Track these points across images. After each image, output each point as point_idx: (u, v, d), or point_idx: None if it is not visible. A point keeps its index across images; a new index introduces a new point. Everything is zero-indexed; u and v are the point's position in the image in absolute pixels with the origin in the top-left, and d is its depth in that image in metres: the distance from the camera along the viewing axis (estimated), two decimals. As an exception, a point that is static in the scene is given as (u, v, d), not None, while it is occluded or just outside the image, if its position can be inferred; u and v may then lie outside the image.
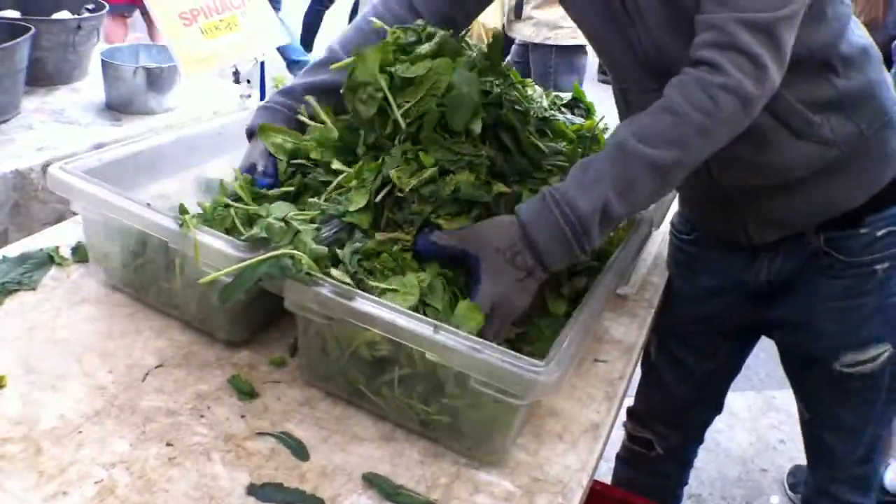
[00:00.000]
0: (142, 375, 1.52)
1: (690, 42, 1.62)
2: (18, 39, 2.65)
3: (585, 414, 1.63)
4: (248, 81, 2.48)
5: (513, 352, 1.33)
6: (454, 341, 1.32)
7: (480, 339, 1.34)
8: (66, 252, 1.87)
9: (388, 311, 1.36)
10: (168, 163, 1.93)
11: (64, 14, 3.18)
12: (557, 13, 4.83)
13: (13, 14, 3.18)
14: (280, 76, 2.24)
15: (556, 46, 5.04)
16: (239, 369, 1.58)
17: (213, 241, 1.48)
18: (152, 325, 1.67)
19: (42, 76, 3.03)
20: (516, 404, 1.35)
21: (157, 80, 2.87)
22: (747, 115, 1.57)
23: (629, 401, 2.53)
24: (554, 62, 5.10)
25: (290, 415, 1.49)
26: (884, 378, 2.09)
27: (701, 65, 1.56)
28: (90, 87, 3.12)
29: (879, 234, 1.97)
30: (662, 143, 1.54)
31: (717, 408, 2.58)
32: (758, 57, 1.53)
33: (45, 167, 2.41)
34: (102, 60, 2.89)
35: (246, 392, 1.51)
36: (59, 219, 2.42)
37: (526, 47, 5.31)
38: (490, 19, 5.55)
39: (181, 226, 1.50)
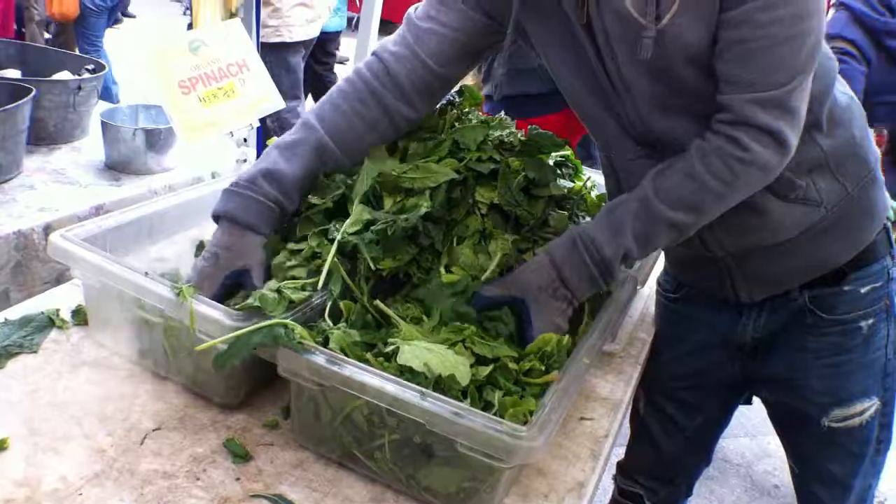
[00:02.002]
0: (140, 438, 1.56)
1: (678, 115, 1.75)
2: (20, 101, 2.69)
3: (571, 473, 1.67)
4: (245, 140, 2.53)
5: (496, 417, 1.37)
6: (440, 407, 1.36)
7: (465, 406, 1.38)
8: (66, 315, 1.90)
9: (378, 378, 1.41)
10: (166, 226, 1.99)
11: (64, 74, 3.24)
12: (264, 13, 5.27)
13: (14, 73, 3.23)
14: (273, 140, 2.30)
15: (266, 44, 5.33)
16: (233, 432, 1.62)
17: (209, 310, 1.53)
18: (149, 388, 1.71)
19: (43, 135, 3.07)
20: (501, 467, 1.39)
21: (156, 140, 2.92)
22: (766, 179, 1.71)
23: (620, 452, 2.56)
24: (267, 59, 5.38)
25: (283, 477, 1.52)
26: (872, 431, 2.13)
27: (722, 137, 1.66)
28: (90, 146, 3.17)
29: (863, 290, 2.02)
30: (682, 206, 1.71)
31: (707, 460, 2.61)
32: (777, 132, 1.63)
33: (46, 228, 2.47)
34: (102, 122, 2.94)
35: (240, 455, 1.55)
36: (60, 277, 2.47)
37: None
38: None
39: (178, 295, 1.55)
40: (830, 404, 2.11)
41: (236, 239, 1.73)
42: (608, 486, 3.34)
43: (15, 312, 1.87)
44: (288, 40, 5.55)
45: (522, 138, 2.01)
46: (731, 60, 1.63)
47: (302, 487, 1.51)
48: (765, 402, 2.34)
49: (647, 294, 2.46)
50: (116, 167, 2.96)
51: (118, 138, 2.91)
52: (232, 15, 5.02)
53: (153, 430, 1.59)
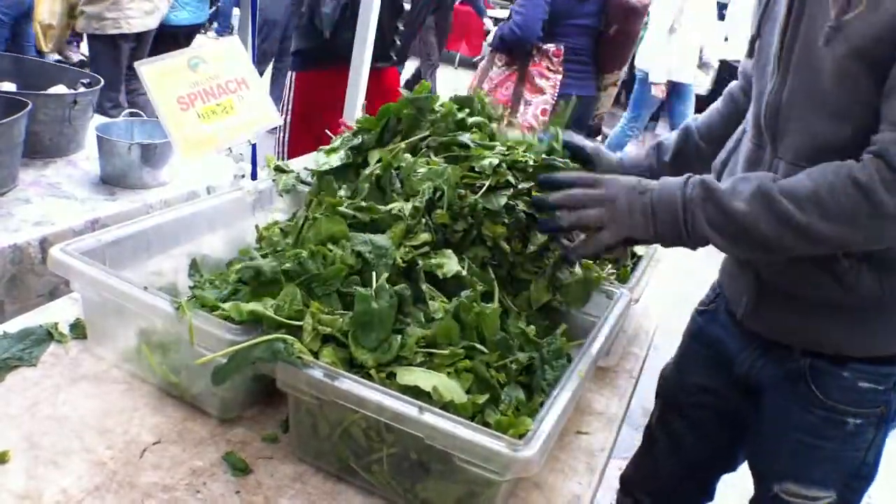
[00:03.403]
0: (139, 452, 1.57)
1: (810, 115, 1.78)
2: (16, 115, 2.69)
3: (567, 486, 1.69)
4: (241, 155, 2.54)
5: (493, 430, 1.39)
6: (437, 421, 1.38)
7: (462, 420, 1.40)
8: (64, 328, 1.91)
9: (375, 392, 1.42)
10: (164, 241, 1.99)
11: (60, 88, 3.24)
12: (103, 6, 5.48)
13: (9, 86, 3.24)
14: (271, 156, 2.32)
15: (102, 36, 5.53)
16: (233, 445, 1.63)
17: (208, 324, 1.54)
18: (148, 401, 1.72)
19: (39, 149, 3.07)
20: (498, 480, 1.40)
21: (151, 155, 2.93)
22: (875, 221, 1.63)
23: (616, 464, 2.57)
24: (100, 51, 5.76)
25: (282, 490, 1.53)
26: None
27: (859, 161, 1.64)
28: (86, 159, 3.18)
29: (862, 385, 1.97)
30: (791, 198, 1.67)
31: (707, 495, 2.57)
32: None
33: (42, 242, 2.48)
34: (98, 136, 2.95)
35: (240, 468, 1.56)
36: (54, 290, 2.47)
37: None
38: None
39: (177, 309, 1.57)
40: (787, 476, 2.08)
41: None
42: (603, 500, 3.36)
43: (13, 326, 1.88)
44: (126, 31, 5.62)
45: (536, 161, 2.02)
46: (890, 102, 1.63)
47: (301, 500, 1.52)
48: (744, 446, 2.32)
49: (641, 310, 2.48)
50: (112, 181, 2.97)
51: (114, 152, 2.92)
52: (72, 7, 5.10)
53: (153, 444, 1.60)
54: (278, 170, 2.27)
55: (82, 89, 3.25)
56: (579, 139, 2.19)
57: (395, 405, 1.40)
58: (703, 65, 9.27)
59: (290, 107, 4.58)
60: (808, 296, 1.92)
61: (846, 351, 1.95)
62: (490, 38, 5.76)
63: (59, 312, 1.98)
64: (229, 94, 2.26)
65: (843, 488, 2.05)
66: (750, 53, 2.01)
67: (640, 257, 2.29)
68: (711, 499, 2.57)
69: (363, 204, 1.88)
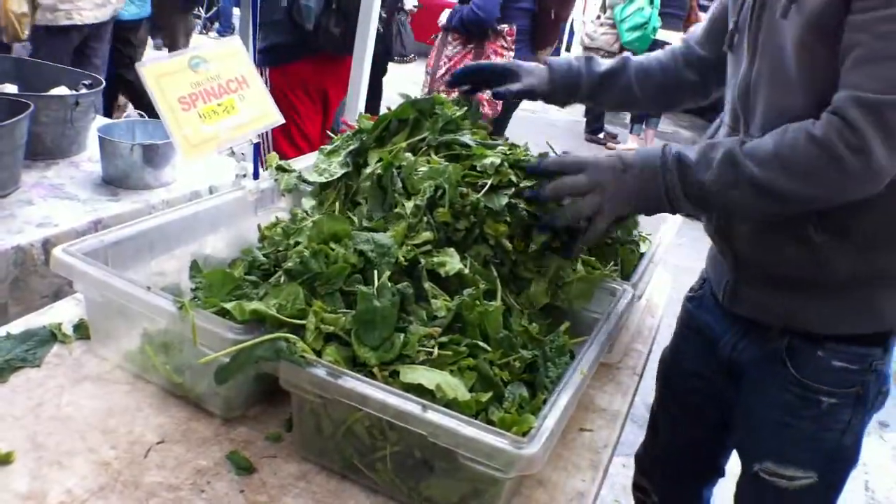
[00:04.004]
0: (144, 451, 1.57)
1: (783, 91, 1.82)
2: (18, 117, 2.69)
3: (571, 483, 1.69)
4: (243, 155, 2.54)
5: (496, 428, 1.39)
6: (440, 419, 1.38)
7: (466, 417, 1.40)
8: (68, 329, 1.91)
9: (379, 390, 1.43)
10: (166, 241, 2.00)
11: (62, 90, 3.25)
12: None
13: (11, 88, 3.24)
14: (272, 155, 2.32)
15: (53, 27, 5.47)
16: (237, 445, 1.63)
17: (211, 324, 1.55)
18: (152, 401, 1.72)
19: (41, 150, 3.07)
20: (501, 478, 1.40)
21: (153, 156, 2.93)
22: (841, 180, 1.68)
23: (618, 462, 2.58)
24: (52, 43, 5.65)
25: (286, 489, 1.54)
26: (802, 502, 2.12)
27: (817, 122, 1.69)
28: (88, 160, 3.17)
29: (835, 364, 2.00)
30: (758, 160, 1.73)
31: (716, 471, 2.62)
32: (860, 131, 1.62)
33: (45, 243, 2.48)
34: (100, 137, 2.95)
35: (244, 467, 1.56)
36: (58, 291, 2.47)
37: None
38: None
39: (180, 308, 1.57)
40: (766, 456, 2.11)
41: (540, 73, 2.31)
42: (607, 497, 3.36)
43: (17, 327, 1.89)
44: (78, 23, 5.60)
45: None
46: (848, 66, 1.67)
47: (306, 499, 1.52)
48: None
49: (644, 306, 2.48)
50: (114, 182, 2.97)
51: (116, 153, 2.92)
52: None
53: (157, 444, 1.60)
54: (280, 169, 2.28)
55: (84, 90, 3.25)
56: (491, 63, 2.38)
57: (398, 403, 1.40)
58: None
59: None
60: (784, 274, 1.98)
61: (821, 329, 1.99)
62: (443, 18, 6.25)
63: (63, 313, 1.98)
64: (230, 94, 2.25)
65: (824, 470, 2.07)
66: (730, 46, 2.03)
67: (643, 254, 2.29)
68: (722, 475, 2.63)
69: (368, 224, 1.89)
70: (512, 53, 6.08)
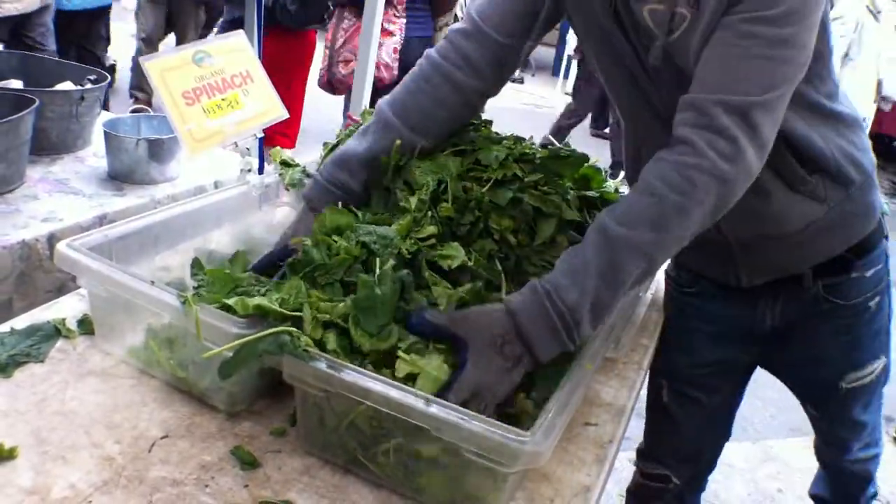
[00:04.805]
0: (148, 446, 1.57)
1: None
2: (23, 112, 2.69)
3: (576, 477, 1.68)
4: (248, 150, 2.54)
5: (500, 422, 1.38)
6: (444, 413, 1.38)
7: (470, 411, 1.39)
8: (72, 324, 1.91)
9: (381, 384, 1.42)
10: (171, 236, 2.00)
11: (67, 85, 3.24)
12: None
13: (16, 83, 3.24)
14: (276, 150, 2.32)
15: None
16: (241, 439, 1.63)
17: (214, 318, 1.54)
18: (156, 396, 1.72)
19: (46, 145, 3.07)
20: (505, 472, 1.40)
21: (158, 150, 2.93)
22: (725, 193, 1.64)
23: (624, 456, 2.58)
24: None
25: (290, 484, 1.53)
26: (880, 381, 2.36)
27: (678, 144, 1.64)
28: (93, 155, 3.17)
29: (868, 274, 2.18)
30: (642, 224, 1.60)
31: (727, 434, 2.76)
32: (734, 140, 1.60)
33: (50, 238, 2.48)
34: (105, 132, 2.94)
35: (248, 462, 1.56)
36: (63, 287, 2.47)
37: None
38: None
39: (184, 303, 1.57)
40: (847, 370, 2.32)
41: (305, 217, 1.93)
42: (611, 490, 3.36)
43: (21, 322, 1.88)
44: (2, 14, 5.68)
45: (542, 155, 2.02)
46: (707, 61, 1.68)
47: (310, 494, 1.52)
48: (783, 377, 2.52)
49: (650, 300, 2.48)
50: (119, 177, 2.97)
51: (121, 148, 2.92)
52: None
53: (161, 438, 1.60)
54: (284, 164, 2.28)
55: (89, 85, 3.25)
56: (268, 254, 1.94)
57: (401, 397, 1.40)
58: (882, 98, 8.47)
59: None
60: (792, 227, 2.06)
61: (844, 247, 2.13)
62: None
63: (67, 308, 1.98)
64: (235, 89, 2.25)
65: (885, 349, 2.34)
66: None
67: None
68: (729, 436, 2.78)
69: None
70: (404, 21, 6.13)
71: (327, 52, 6.43)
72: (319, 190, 1.95)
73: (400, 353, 1.54)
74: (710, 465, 2.83)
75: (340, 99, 6.83)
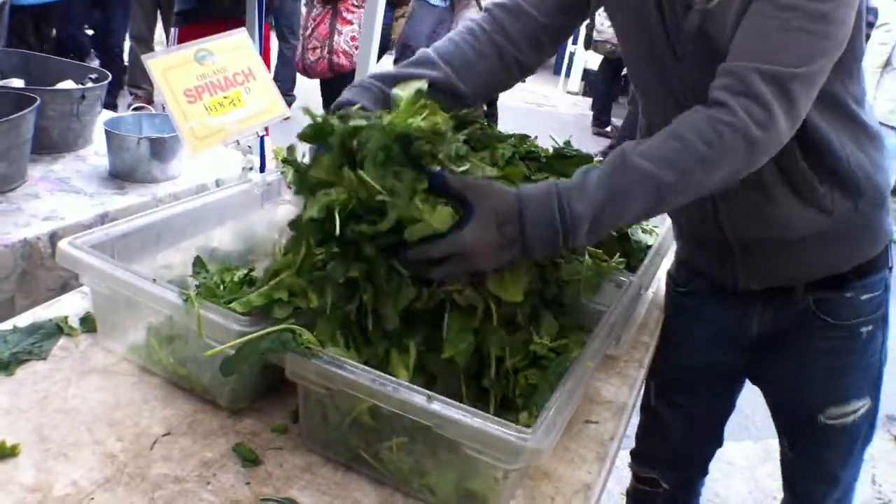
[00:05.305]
0: (150, 444, 1.57)
1: None
2: (25, 111, 2.69)
3: (577, 475, 1.69)
4: (249, 148, 2.55)
5: (502, 419, 1.39)
6: (446, 410, 1.38)
7: (471, 408, 1.40)
8: (74, 322, 1.92)
9: (384, 382, 1.42)
10: (172, 234, 2.00)
11: (68, 83, 3.24)
12: None
13: (17, 82, 3.24)
14: (279, 148, 2.32)
15: None
16: (242, 437, 1.63)
17: (216, 315, 1.55)
18: (158, 393, 1.73)
19: (47, 144, 3.07)
20: (507, 469, 1.40)
21: (160, 149, 2.93)
22: (750, 157, 1.63)
23: (625, 455, 2.58)
24: None
25: (292, 481, 1.54)
26: (861, 427, 2.25)
27: (713, 105, 1.63)
28: (94, 154, 3.18)
29: (863, 298, 2.11)
30: (664, 163, 1.60)
31: (718, 442, 2.68)
32: (769, 107, 1.59)
33: (52, 236, 2.48)
34: (106, 130, 2.95)
35: (250, 459, 1.56)
36: (65, 285, 2.48)
37: None
38: None
39: (186, 301, 1.57)
40: (828, 403, 2.22)
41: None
42: (613, 489, 3.36)
43: (24, 320, 1.89)
44: None
45: (548, 152, 2.02)
46: (746, 30, 1.66)
47: (311, 491, 1.52)
48: (766, 395, 2.42)
49: (651, 298, 2.48)
50: (121, 176, 2.97)
51: (122, 147, 2.92)
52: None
53: (163, 436, 1.60)
54: (286, 162, 2.27)
55: (90, 84, 3.25)
56: None
57: (403, 395, 1.40)
58: None
59: None
60: (795, 234, 2.01)
61: (844, 268, 2.08)
62: None
63: (69, 306, 1.98)
64: (237, 87, 2.25)
65: (872, 390, 2.24)
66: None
67: (649, 246, 2.28)
68: (721, 444, 2.70)
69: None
70: (362, 10, 6.34)
71: (301, 39, 6.88)
72: (358, 90, 1.94)
73: (416, 198, 1.56)
74: (702, 471, 2.78)
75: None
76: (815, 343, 2.18)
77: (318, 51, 6.73)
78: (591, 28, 10.28)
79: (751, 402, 2.63)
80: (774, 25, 1.62)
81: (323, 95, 7.19)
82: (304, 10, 7.01)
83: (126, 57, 8.78)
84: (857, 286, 2.11)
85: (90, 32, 9.11)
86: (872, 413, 2.27)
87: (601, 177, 1.62)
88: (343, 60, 6.75)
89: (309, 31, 6.81)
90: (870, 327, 2.15)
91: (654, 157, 1.61)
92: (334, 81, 6.83)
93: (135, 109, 3.31)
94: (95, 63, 7.06)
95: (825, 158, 1.92)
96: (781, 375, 2.30)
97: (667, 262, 2.42)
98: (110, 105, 5.70)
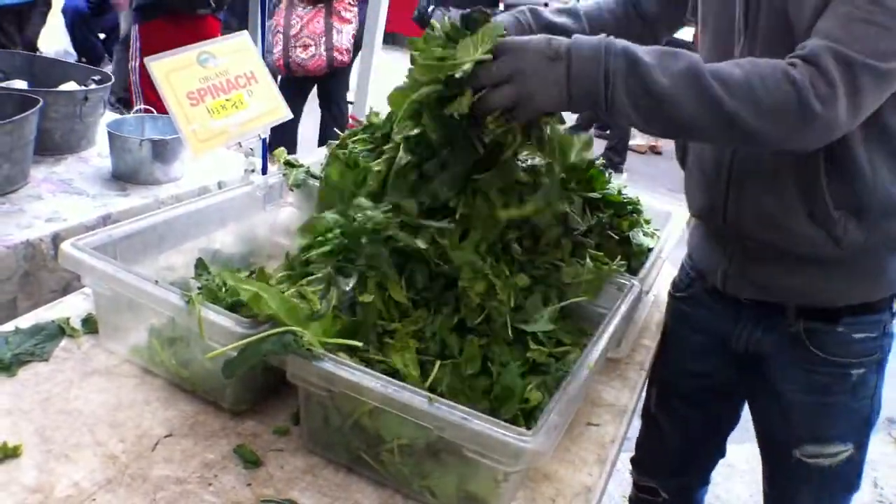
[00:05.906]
0: (151, 445, 1.58)
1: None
2: (27, 112, 2.70)
3: (578, 477, 1.69)
4: (252, 150, 2.55)
5: (502, 421, 1.39)
6: (447, 412, 1.38)
7: (472, 410, 1.40)
8: (76, 323, 1.92)
9: (385, 384, 1.43)
10: (175, 236, 2.00)
11: (71, 85, 3.25)
12: None
13: (21, 84, 3.25)
14: (280, 151, 2.32)
15: None
16: (244, 438, 1.64)
17: (218, 317, 1.55)
18: (160, 395, 1.73)
19: (50, 145, 3.07)
20: (507, 471, 1.41)
21: (162, 151, 2.94)
22: (799, 126, 1.59)
23: (626, 458, 2.59)
24: None
25: (293, 482, 1.54)
26: (841, 474, 2.17)
27: (785, 62, 1.62)
28: (97, 156, 3.18)
29: (856, 336, 2.04)
30: (717, 75, 1.59)
31: (720, 452, 2.66)
32: (833, 82, 1.57)
33: (54, 238, 2.48)
34: (109, 132, 2.95)
35: (251, 461, 1.57)
36: (67, 286, 2.48)
37: None
38: None
39: (188, 303, 1.57)
40: (805, 440, 2.15)
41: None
42: (614, 492, 3.36)
43: (26, 321, 1.89)
44: None
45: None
46: (826, 17, 1.66)
47: (312, 493, 1.52)
48: (752, 418, 2.40)
49: (652, 301, 2.48)
50: (123, 177, 2.97)
51: (125, 149, 2.92)
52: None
53: (164, 437, 1.60)
54: (288, 164, 2.28)
55: (93, 86, 3.25)
56: None
57: (404, 397, 1.41)
58: None
59: (137, 53, 5.42)
60: (797, 252, 1.98)
61: (838, 302, 2.02)
62: None
63: (71, 308, 1.99)
64: (239, 89, 2.26)
65: (859, 437, 2.14)
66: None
67: (650, 249, 2.28)
68: (723, 455, 2.67)
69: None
70: (357, 9, 6.86)
71: (280, 37, 6.83)
72: (514, 19, 2.06)
73: None
74: (702, 481, 2.74)
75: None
76: (800, 375, 2.11)
77: (311, 48, 6.78)
78: None
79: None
80: (857, 16, 1.61)
81: (319, 94, 7.30)
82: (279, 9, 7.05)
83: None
84: (850, 322, 2.04)
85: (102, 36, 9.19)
86: (857, 462, 2.19)
87: (653, 49, 1.63)
88: (344, 57, 6.93)
89: (297, 30, 6.85)
90: (861, 370, 2.07)
91: (711, 68, 1.60)
92: (329, 78, 7.08)
93: (137, 112, 3.30)
94: (109, 68, 7.04)
95: (851, 185, 1.86)
96: (765, 400, 2.26)
97: (668, 265, 2.41)
98: (127, 103, 5.81)
